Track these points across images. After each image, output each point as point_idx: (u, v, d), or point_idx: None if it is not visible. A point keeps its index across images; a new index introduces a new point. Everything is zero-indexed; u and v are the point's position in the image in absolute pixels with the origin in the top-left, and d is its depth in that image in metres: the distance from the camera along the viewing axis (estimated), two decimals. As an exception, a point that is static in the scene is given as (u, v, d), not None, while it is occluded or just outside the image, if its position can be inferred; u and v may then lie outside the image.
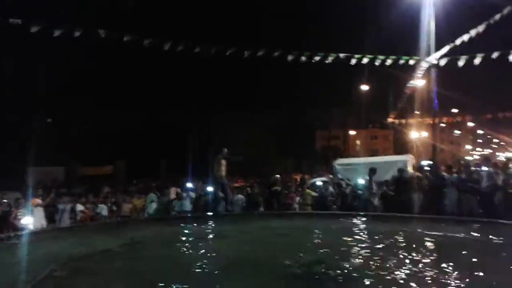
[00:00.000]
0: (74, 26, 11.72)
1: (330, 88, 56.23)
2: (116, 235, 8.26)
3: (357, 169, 15.97)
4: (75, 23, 12.00)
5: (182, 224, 10.07)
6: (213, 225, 9.85)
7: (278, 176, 15.10)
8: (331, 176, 17.25)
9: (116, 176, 32.80)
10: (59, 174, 30.55)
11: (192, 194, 14.56)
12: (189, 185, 15.39)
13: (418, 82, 18.11)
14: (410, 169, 15.61)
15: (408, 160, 16.40)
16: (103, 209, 13.51)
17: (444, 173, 12.72)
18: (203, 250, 7.24)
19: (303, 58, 13.66)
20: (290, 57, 13.52)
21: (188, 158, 22.39)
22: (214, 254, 6.88)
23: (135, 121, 40.55)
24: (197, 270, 5.77)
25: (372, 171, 13.13)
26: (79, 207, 12.88)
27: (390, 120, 31.10)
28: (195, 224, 9.96)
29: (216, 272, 5.70)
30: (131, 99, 40.20)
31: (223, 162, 12.80)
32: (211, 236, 8.98)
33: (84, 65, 38.90)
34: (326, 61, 13.73)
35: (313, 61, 13.75)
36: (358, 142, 60.19)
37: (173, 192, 14.85)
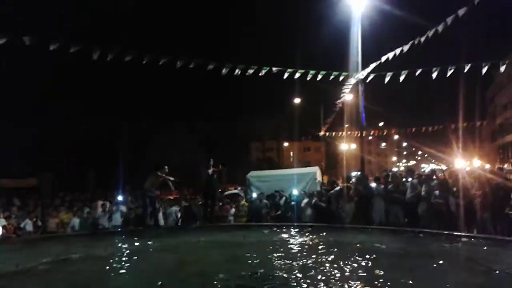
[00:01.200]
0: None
1: (264, 100, 57.06)
2: (40, 251, 7.80)
3: (269, 181, 16.43)
4: None
5: (111, 239, 9.71)
6: (143, 239, 9.55)
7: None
8: (239, 188, 17.67)
9: (42, 189, 30.97)
10: (-22, 187, 28.38)
11: (123, 208, 14.09)
12: (120, 198, 14.89)
13: (347, 96, 18.83)
14: (318, 180, 16.41)
15: (317, 172, 17.16)
16: (28, 224, 12.71)
17: (372, 184, 13.29)
18: (133, 266, 6.99)
19: (237, 71, 13.76)
20: (224, 70, 13.58)
21: (118, 170, 21.61)
22: (144, 269, 6.66)
23: (62, 131, 38.62)
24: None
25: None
26: (1, 221, 12.04)
27: (321, 132, 32.04)
28: (123, 239, 9.65)
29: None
30: (58, 108, 38.26)
31: (159, 179, 12.40)
32: (141, 250, 8.68)
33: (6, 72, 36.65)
34: (260, 74, 13.93)
35: (247, 74, 13.89)
36: (291, 153, 61.33)
37: (99, 206, 14.28)
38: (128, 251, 8.28)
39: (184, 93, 49.87)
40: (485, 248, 7.68)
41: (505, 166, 28.55)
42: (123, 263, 7.11)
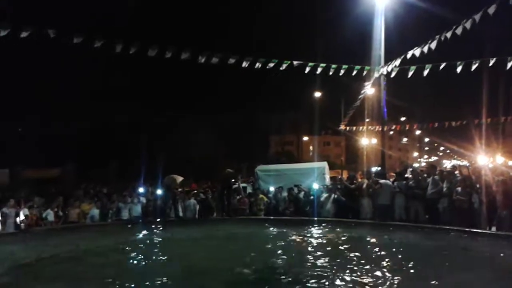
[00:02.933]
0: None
1: (284, 94, 56.76)
2: (63, 241, 7.97)
3: (278, 175, 16.42)
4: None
5: (132, 230, 9.86)
6: (163, 231, 9.67)
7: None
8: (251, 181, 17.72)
9: (64, 180, 31.56)
10: (3, 176, 29.09)
11: (143, 199, 14.27)
12: (140, 189, 15.08)
13: (368, 90, 18.64)
14: (327, 176, 16.31)
15: (325, 167, 17.08)
16: (49, 214, 12.97)
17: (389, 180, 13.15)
18: (154, 257, 7.10)
19: (258, 64, 13.75)
20: (245, 63, 13.58)
21: (139, 162, 21.86)
22: (165, 261, 6.75)
23: (85, 122, 39.25)
24: (146, 277, 5.64)
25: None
26: (24, 211, 12.32)
27: (342, 127, 31.80)
28: (145, 231, 9.78)
29: (168, 280, 5.59)
30: (80, 100, 38.85)
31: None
32: (161, 242, 8.80)
33: (29, 64, 37.37)
34: (281, 68, 13.89)
35: (267, 67, 13.87)
36: (311, 147, 61.08)
37: (121, 197, 14.50)
38: (148, 242, 8.41)
39: (205, 87, 50.08)
40: (507, 246, 7.55)
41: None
42: (144, 253, 7.24)
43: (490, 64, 12.62)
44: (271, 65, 13.91)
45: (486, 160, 26.96)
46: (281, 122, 59.72)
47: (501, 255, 6.88)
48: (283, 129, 62.11)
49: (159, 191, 13.57)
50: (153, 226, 10.33)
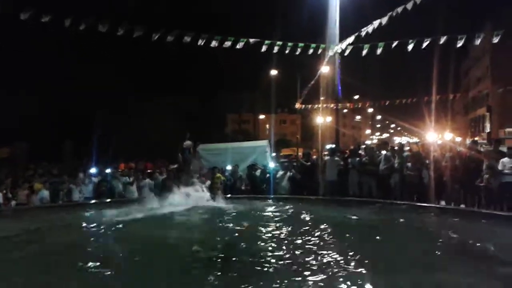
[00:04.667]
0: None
1: (240, 72, 56.42)
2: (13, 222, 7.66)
3: (220, 154, 16.41)
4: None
5: (85, 210, 9.60)
6: (113, 211, 9.44)
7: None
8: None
9: (15, 159, 30.19)
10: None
11: (95, 180, 13.90)
12: (93, 170, 14.67)
13: (323, 69, 18.79)
14: (269, 154, 16.52)
15: (267, 145, 17.27)
16: (-2, 196, 12.41)
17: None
18: (109, 236, 6.92)
19: (214, 43, 13.54)
20: (200, 41, 13.33)
21: (93, 142, 21.21)
22: (120, 240, 6.60)
23: (37, 101, 37.49)
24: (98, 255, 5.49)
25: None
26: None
27: (297, 105, 32.06)
28: (97, 210, 9.55)
29: (123, 256, 5.47)
30: (32, 79, 37.03)
31: None
32: (116, 222, 8.59)
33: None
34: (237, 47, 13.74)
35: (223, 46, 13.69)
36: (267, 126, 61.37)
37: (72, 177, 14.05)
38: (96, 223, 8.16)
39: (160, 66, 48.88)
40: (454, 219, 7.88)
41: (477, 139, 29.21)
42: (95, 235, 7.06)
43: (441, 42, 12.98)
44: (228, 43, 13.73)
45: (435, 136, 28.00)
46: (238, 101, 59.51)
47: (448, 227, 7.18)
48: (240, 108, 61.99)
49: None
50: (105, 206, 10.09)
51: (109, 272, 4.71)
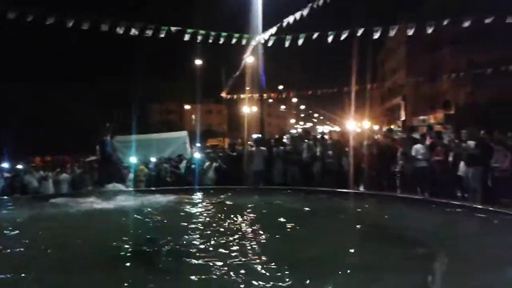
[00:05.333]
0: None
1: (164, 62, 55.23)
2: None
3: (136, 146, 16.00)
4: None
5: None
6: (30, 208, 8.87)
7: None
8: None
9: None
10: None
11: (7, 175, 13.00)
12: (5, 165, 13.71)
13: (248, 59, 18.88)
14: (188, 145, 16.52)
15: (186, 136, 17.23)
16: None
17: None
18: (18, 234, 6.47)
19: (134, 31, 13.07)
20: (119, 29, 12.81)
21: (4, 134, 19.78)
22: (32, 239, 6.19)
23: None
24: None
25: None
26: None
27: (223, 95, 31.97)
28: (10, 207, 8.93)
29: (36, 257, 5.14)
30: None
31: None
32: (27, 219, 8.04)
33: None
34: (159, 35, 13.38)
35: (145, 34, 13.27)
36: (193, 116, 60.75)
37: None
38: (7, 222, 7.61)
39: (80, 54, 46.52)
40: (372, 203, 8.27)
41: (392, 127, 30.89)
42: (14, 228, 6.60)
43: (359, 34, 13.52)
44: (149, 32, 13.32)
45: (354, 125, 29.21)
46: (162, 90, 58.24)
47: (366, 211, 7.52)
48: (164, 98, 60.75)
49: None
50: (18, 202, 9.45)
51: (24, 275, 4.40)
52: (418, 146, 11.00)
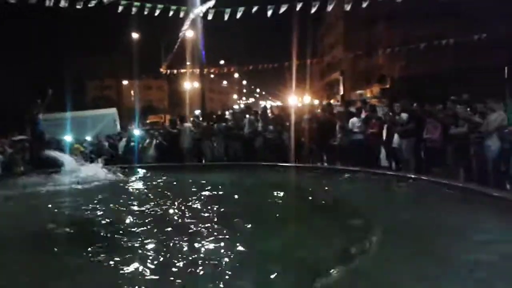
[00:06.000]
0: None
1: (100, 36, 52.74)
2: None
3: (63, 124, 15.38)
4: None
5: None
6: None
7: None
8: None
9: None
10: None
11: None
12: None
13: (187, 33, 18.45)
14: (117, 122, 16.15)
15: (115, 113, 16.83)
16: None
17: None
18: None
19: (64, 3, 12.33)
20: (48, 2, 12.04)
21: None
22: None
23: None
24: None
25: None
26: None
27: (163, 70, 31.25)
28: None
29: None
30: None
31: None
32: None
33: None
34: (89, 6, 12.70)
35: (76, 7, 12.56)
36: (132, 92, 59.03)
37: None
38: None
39: (8, 28, 43.40)
40: (313, 176, 8.47)
41: (332, 101, 31.63)
42: None
43: (298, 9, 13.54)
44: (80, 5, 12.62)
45: (295, 100, 29.61)
46: (98, 66, 55.96)
47: (307, 184, 7.69)
48: (101, 73, 58.42)
49: None
50: None
51: None
52: (354, 119, 11.34)
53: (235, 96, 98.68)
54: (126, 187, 8.27)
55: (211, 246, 4.24)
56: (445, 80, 22.48)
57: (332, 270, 3.53)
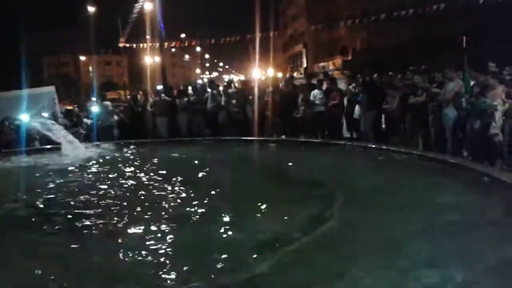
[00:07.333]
0: None
1: (53, 9, 50.57)
2: None
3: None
4: None
5: None
6: None
7: None
8: None
9: None
10: None
11: None
12: None
13: (145, 5, 17.92)
14: (56, 101, 15.60)
15: (54, 92, 16.22)
16: None
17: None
18: None
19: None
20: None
21: None
22: None
23: None
24: None
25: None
26: None
27: (121, 44, 30.35)
28: None
29: None
30: None
31: None
32: None
33: None
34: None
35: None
36: (90, 68, 57.24)
37: None
38: None
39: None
40: (276, 149, 8.52)
41: (295, 74, 31.64)
42: None
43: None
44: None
45: (259, 73, 29.51)
46: (53, 41, 53.78)
47: (270, 156, 7.73)
48: (57, 49, 56.22)
49: None
50: None
51: None
52: (315, 91, 11.40)
53: (198, 71, 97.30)
54: (85, 167, 8.05)
55: (169, 224, 4.20)
56: (405, 51, 22.84)
57: (295, 240, 3.59)
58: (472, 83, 8.48)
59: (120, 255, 3.53)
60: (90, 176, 6.81)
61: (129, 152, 9.02)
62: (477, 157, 7.54)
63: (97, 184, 6.20)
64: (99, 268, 3.36)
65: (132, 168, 7.20)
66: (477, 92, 8.06)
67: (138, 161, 8.13)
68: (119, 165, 7.71)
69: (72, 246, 3.82)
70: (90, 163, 7.77)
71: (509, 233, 3.38)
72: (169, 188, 5.71)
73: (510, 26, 14.98)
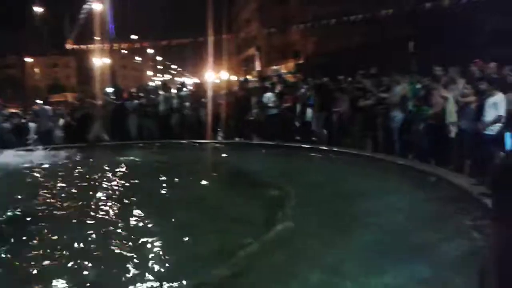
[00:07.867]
0: None
1: (1, 9, 48.18)
2: None
3: None
4: None
5: None
6: None
7: None
8: None
9: None
10: None
11: None
12: None
13: (94, 5, 17.43)
14: None
15: None
16: None
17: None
18: None
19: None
20: None
21: None
22: None
23: None
24: None
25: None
26: None
27: (69, 45, 29.36)
28: None
29: None
30: None
31: None
32: None
33: None
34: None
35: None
36: (37, 70, 54.98)
37: None
38: None
39: None
40: (231, 151, 8.50)
41: (249, 77, 31.70)
42: None
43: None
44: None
45: (213, 76, 29.37)
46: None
47: (224, 159, 7.70)
48: (3, 50, 53.59)
49: None
50: None
51: None
52: (268, 94, 11.43)
53: (150, 73, 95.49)
54: (32, 170, 7.71)
55: (123, 227, 4.11)
56: (355, 55, 23.33)
57: (252, 240, 3.59)
58: (418, 86, 8.76)
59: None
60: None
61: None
62: (421, 158, 7.79)
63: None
64: None
65: (80, 173, 6.98)
66: (421, 95, 8.33)
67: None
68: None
69: None
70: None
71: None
72: (120, 190, 5.59)
73: (455, 30, 15.63)
